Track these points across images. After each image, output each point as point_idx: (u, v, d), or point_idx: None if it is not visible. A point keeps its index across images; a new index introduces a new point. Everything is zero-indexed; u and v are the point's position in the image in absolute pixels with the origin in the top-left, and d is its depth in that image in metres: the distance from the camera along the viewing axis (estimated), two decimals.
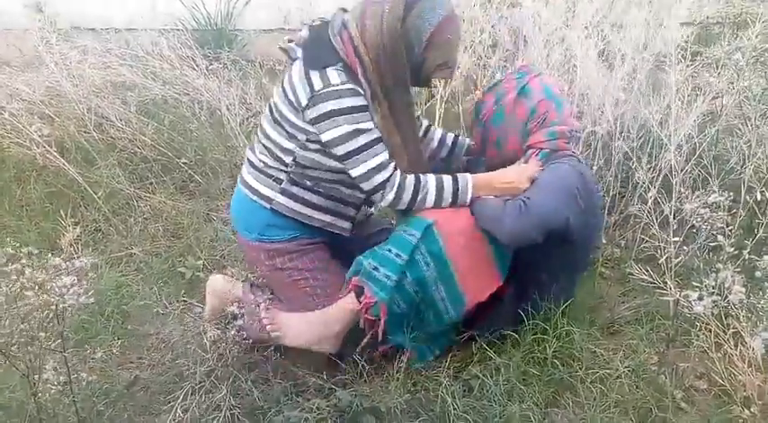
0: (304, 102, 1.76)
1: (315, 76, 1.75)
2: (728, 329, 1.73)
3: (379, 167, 1.80)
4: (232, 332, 1.76)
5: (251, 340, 1.84)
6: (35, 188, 2.88)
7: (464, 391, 1.83)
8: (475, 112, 2.02)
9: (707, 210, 1.87)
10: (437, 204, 1.85)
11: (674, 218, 1.93)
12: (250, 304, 1.87)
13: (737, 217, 2.09)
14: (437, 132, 2.16)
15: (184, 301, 2.28)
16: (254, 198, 1.93)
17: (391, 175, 1.81)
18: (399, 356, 1.85)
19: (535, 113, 1.93)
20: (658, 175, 2.25)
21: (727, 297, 1.69)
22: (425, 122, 2.15)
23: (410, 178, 1.84)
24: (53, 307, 1.39)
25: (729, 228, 1.90)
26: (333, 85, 1.73)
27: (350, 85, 1.74)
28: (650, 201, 2.08)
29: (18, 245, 1.43)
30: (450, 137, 2.16)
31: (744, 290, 1.67)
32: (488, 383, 1.81)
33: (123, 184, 2.87)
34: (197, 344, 1.80)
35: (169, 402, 1.75)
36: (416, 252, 1.79)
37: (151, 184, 2.95)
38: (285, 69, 1.90)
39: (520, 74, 1.98)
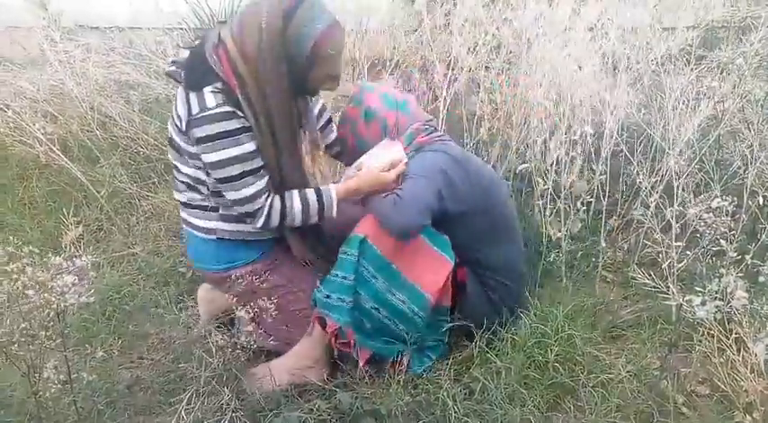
0: (184, 126, 1.76)
1: (193, 98, 1.74)
2: (731, 335, 1.73)
3: (252, 197, 1.79)
4: (242, 338, 1.75)
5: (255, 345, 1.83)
6: (38, 186, 2.89)
7: (465, 394, 1.83)
8: (341, 145, 2.11)
9: (710, 214, 1.87)
10: (304, 222, 1.87)
11: (676, 222, 1.92)
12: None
13: (740, 222, 2.09)
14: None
15: (185, 300, 2.28)
16: (199, 234, 1.93)
17: (261, 207, 1.81)
18: (398, 359, 1.85)
19: (388, 127, 1.99)
20: (661, 180, 2.25)
21: (729, 302, 1.69)
22: (327, 115, 2.15)
23: (277, 204, 1.83)
24: (54, 306, 1.39)
25: (732, 232, 1.90)
26: (208, 109, 1.71)
27: (226, 108, 1.72)
28: (653, 205, 2.08)
29: (20, 243, 1.43)
30: None
31: (747, 295, 1.68)
32: (489, 387, 1.81)
33: (126, 183, 2.88)
34: (202, 347, 1.79)
35: (171, 404, 1.75)
36: (360, 268, 1.82)
37: (153, 183, 2.95)
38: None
39: (356, 101, 2.03)
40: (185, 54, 1.85)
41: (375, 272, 1.84)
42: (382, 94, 2.03)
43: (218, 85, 1.74)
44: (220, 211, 1.89)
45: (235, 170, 1.75)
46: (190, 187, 1.89)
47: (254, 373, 1.87)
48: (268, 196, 1.82)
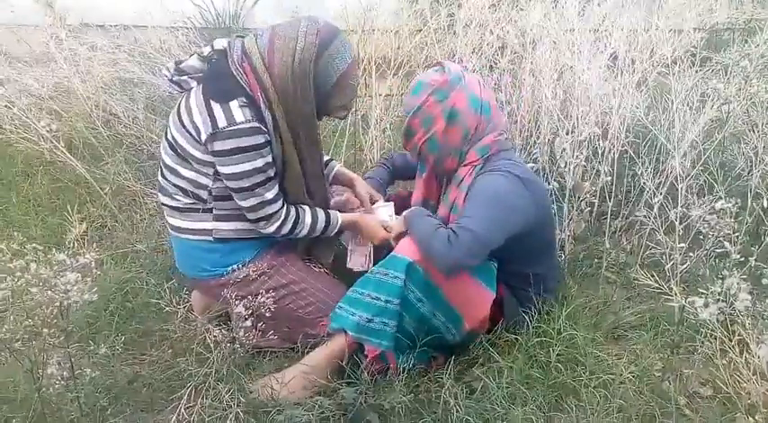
0: (204, 136, 1.76)
1: (218, 110, 1.75)
2: (734, 337, 1.73)
3: (267, 202, 1.84)
4: (241, 333, 1.74)
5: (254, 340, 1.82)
6: (42, 183, 2.90)
7: (466, 392, 1.83)
8: (405, 135, 1.95)
9: (713, 216, 1.87)
10: (308, 235, 1.96)
11: (680, 224, 1.92)
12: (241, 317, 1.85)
13: (744, 224, 2.08)
14: None
15: (187, 297, 2.27)
16: (195, 238, 1.92)
17: (277, 211, 1.86)
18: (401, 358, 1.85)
19: (468, 135, 1.89)
20: (665, 181, 2.25)
21: (732, 304, 1.69)
22: None
23: (292, 213, 1.90)
24: (57, 304, 1.40)
25: (736, 234, 1.89)
26: (237, 124, 1.73)
27: (253, 124, 1.75)
28: (656, 206, 2.07)
29: (24, 239, 1.43)
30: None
31: (750, 297, 1.67)
32: (491, 386, 1.81)
33: (130, 181, 2.89)
34: (201, 343, 1.79)
35: (172, 401, 1.75)
36: (407, 292, 1.79)
37: (157, 180, 2.95)
38: (179, 100, 1.89)
39: (441, 94, 1.86)
40: (193, 61, 1.86)
41: (422, 296, 1.80)
42: (470, 94, 1.87)
43: (244, 99, 1.76)
44: (214, 212, 1.89)
45: (257, 179, 1.80)
46: (186, 192, 1.88)
47: (264, 385, 1.82)
48: (283, 203, 1.88)
